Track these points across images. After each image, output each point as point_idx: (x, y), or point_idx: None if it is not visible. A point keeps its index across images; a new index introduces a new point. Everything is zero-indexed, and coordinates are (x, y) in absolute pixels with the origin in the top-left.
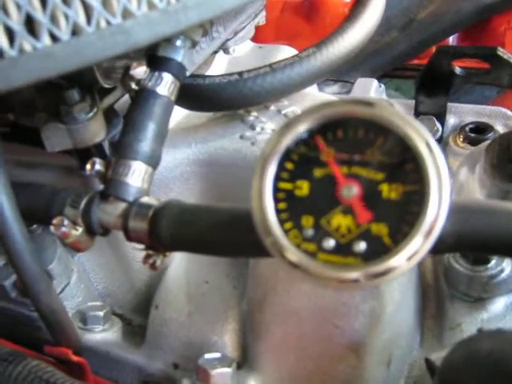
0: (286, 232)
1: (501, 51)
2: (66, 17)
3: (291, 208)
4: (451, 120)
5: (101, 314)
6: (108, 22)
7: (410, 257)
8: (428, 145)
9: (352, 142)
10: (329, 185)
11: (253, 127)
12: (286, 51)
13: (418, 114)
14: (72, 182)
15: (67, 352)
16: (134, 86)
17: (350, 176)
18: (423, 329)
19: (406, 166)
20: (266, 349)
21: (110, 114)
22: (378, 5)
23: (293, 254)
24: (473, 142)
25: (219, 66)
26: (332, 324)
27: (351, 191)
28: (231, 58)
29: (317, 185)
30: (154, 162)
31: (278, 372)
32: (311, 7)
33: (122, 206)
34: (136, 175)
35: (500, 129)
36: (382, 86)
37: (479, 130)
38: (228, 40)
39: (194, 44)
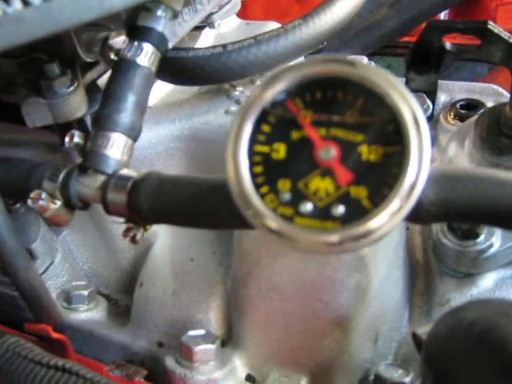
0: (262, 196)
1: (492, 25)
2: None
3: (268, 172)
4: (442, 97)
5: (85, 293)
6: None
7: (389, 219)
8: (410, 105)
9: (331, 103)
10: (306, 147)
11: (238, 102)
12: (273, 27)
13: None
14: (54, 159)
15: (47, 329)
16: (113, 56)
17: (329, 138)
18: (412, 305)
19: (386, 127)
20: (251, 325)
21: (92, 89)
22: None
23: (269, 219)
24: (463, 119)
25: (206, 42)
26: (316, 299)
27: (329, 153)
28: (217, 33)
29: (294, 147)
30: (134, 133)
31: (263, 349)
32: None
33: (101, 178)
34: (115, 147)
35: (491, 105)
36: (373, 63)
37: (470, 107)
38: (213, 14)
39: (176, 14)
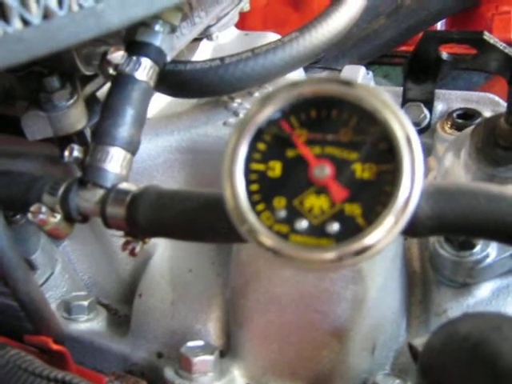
0: (258, 214)
1: (487, 35)
2: (37, 0)
3: (263, 189)
4: (439, 106)
5: (85, 303)
6: (80, 6)
7: (383, 236)
8: (402, 124)
9: (325, 122)
10: (301, 165)
11: (236, 114)
12: (272, 38)
13: (406, 100)
14: (55, 171)
15: (47, 340)
16: (111, 71)
17: (323, 156)
18: (410, 315)
19: (379, 145)
20: (249, 336)
21: (91, 102)
22: None
23: (265, 237)
24: (460, 129)
25: (204, 53)
26: (314, 310)
27: (324, 172)
28: (216, 45)
29: (289, 165)
30: (132, 147)
31: (261, 359)
32: None
33: (100, 192)
34: (114, 161)
35: (488, 115)
36: (370, 73)
37: (467, 116)
38: (211, 26)
39: (173, 29)
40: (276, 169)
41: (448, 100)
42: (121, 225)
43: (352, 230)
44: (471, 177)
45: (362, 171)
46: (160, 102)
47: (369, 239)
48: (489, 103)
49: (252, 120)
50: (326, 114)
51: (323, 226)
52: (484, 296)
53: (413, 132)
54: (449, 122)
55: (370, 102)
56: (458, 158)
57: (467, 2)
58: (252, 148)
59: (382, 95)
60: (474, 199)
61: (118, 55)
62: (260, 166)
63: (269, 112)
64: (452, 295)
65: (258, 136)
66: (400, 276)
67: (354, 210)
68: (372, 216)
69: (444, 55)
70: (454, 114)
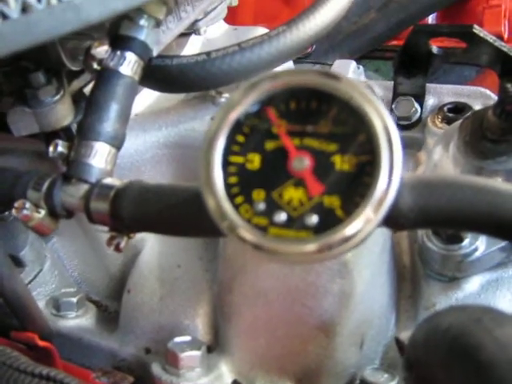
0: (237, 207)
1: (477, 29)
2: None
3: (242, 182)
4: (430, 101)
5: (74, 300)
6: None
7: (362, 227)
8: (380, 114)
9: (304, 113)
10: (280, 157)
11: None
12: (261, 32)
13: (397, 95)
14: (42, 167)
15: (33, 337)
16: (96, 66)
17: (302, 148)
18: (399, 309)
19: (358, 136)
20: (237, 331)
21: (78, 97)
22: None
23: (243, 230)
24: (451, 122)
25: (193, 48)
26: (301, 304)
27: (303, 163)
28: (205, 39)
29: (268, 157)
30: (117, 142)
31: (249, 354)
32: None
33: (84, 187)
34: (98, 156)
35: (479, 108)
36: (361, 67)
37: (457, 110)
38: (198, 21)
39: (158, 23)
40: (255, 161)
41: (439, 94)
42: (105, 220)
43: (331, 221)
44: (460, 170)
45: (341, 163)
46: (148, 98)
47: (348, 230)
48: (480, 97)
49: (231, 112)
50: (305, 106)
51: (302, 219)
52: (473, 290)
53: (391, 123)
54: (439, 116)
55: (349, 94)
56: (446, 151)
57: None
58: (231, 140)
59: (360, 87)
60: (459, 191)
61: (102, 50)
62: (239, 159)
63: (248, 104)
64: (441, 289)
65: (237, 128)
66: (388, 270)
67: (333, 201)
68: (351, 207)
69: (434, 49)
70: (445, 108)
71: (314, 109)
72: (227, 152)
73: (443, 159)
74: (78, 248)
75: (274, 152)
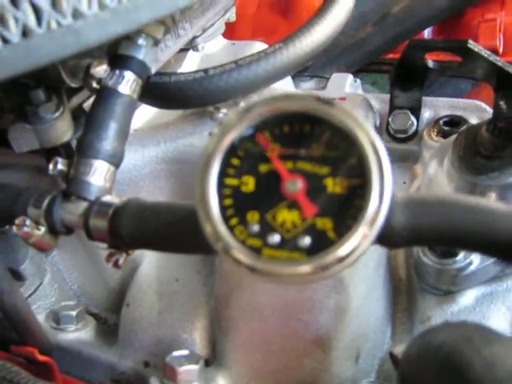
0: (232, 228)
1: (471, 44)
2: (16, 18)
3: (237, 204)
4: (426, 114)
5: (73, 313)
6: (58, 23)
7: (354, 248)
8: (370, 139)
9: (298, 137)
10: (274, 180)
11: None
12: (259, 47)
13: (393, 108)
14: (42, 182)
15: (33, 351)
16: (95, 84)
17: (295, 171)
18: (395, 322)
19: (349, 160)
20: (234, 345)
21: (78, 113)
22: (347, 1)
23: (238, 251)
24: (447, 136)
25: (191, 64)
26: (297, 319)
27: (295, 186)
28: (203, 55)
29: (262, 180)
30: (115, 160)
31: (246, 369)
32: (287, 3)
33: (84, 204)
34: (98, 174)
35: (474, 122)
36: (358, 80)
37: (453, 124)
38: (196, 37)
39: (156, 42)
40: (249, 183)
41: (435, 107)
42: (104, 237)
43: (323, 243)
44: (454, 185)
45: (333, 186)
46: (146, 113)
47: (340, 252)
48: (476, 110)
49: (226, 136)
50: (298, 130)
51: (295, 240)
52: (468, 303)
53: (381, 147)
54: (435, 130)
55: (340, 119)
56: (441, 166)
57: (453, 10)
58: (226, 164)
59: (351, 112)
60: (451, 210)
61: (101, 69)
62: (234, 181)
63: (242, 128)
64: (436, 303)
65: (232, 152)
66: (384, 284)
67: (326, 223)
68: (343, 230)
69: (430, 63)
70: (441, 122)
71: (307, 133)
72: (222, 175)
73: (438, 174)
74: (77, 261)
75: (268, 175)
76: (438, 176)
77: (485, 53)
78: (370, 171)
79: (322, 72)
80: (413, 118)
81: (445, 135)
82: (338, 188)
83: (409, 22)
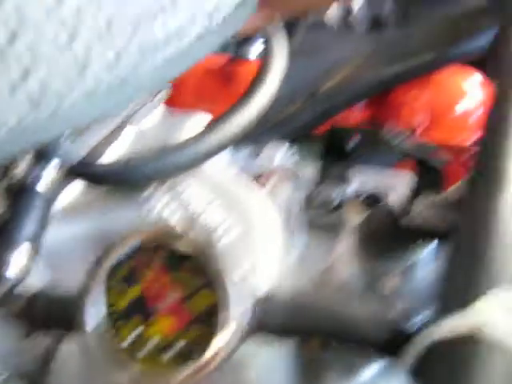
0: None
1: (386, 131)
2: None
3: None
4: (353, 185)
5: None
6: None
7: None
8: (220, 266)
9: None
10: (142, 299)
11: (147, 201)
12: (198, 120)
13: (322, 179)
14: None
15: None
16: (13, 180)
17: (160, 289)
18: None
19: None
20: None
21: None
22: (270, 88)
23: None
24: (367, 210)
25: (125, 139)
26: None
27: (163, 302)
28: (138, 130)
29: (132, 300)
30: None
31: None
32: (229, 74)
33: None
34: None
35: (399, 193)
36: (291, 150)
37: (373, 198)
38: (130, 116)
39: (82, 132)
40: (122, 302)
41: (361, 180)
42: None
43: (190, 352)
44: (356, 268)
45: (194, 303)
46: (72, 191)
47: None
48: (401, 181)
49: (100, 269)
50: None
51: (164, 351)
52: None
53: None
54: (356, 204)
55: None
56: (348, 246)
57: (380, 88)
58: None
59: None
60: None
61: (21, 167)
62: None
63: (114, 258)
64: None
65: (112, 274)
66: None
67: (191, 335)
68: (207, 339)
69: (351, 144)
70: (360, 198)
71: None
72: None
73: (344, 254)
74: None
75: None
76: (344, 256)
77: (395, 140)
78: (222, 293)
79: (259, 139)
80: (339, 191)
81: (368, 207)
82: (199, 305)
83: (338, 98)
